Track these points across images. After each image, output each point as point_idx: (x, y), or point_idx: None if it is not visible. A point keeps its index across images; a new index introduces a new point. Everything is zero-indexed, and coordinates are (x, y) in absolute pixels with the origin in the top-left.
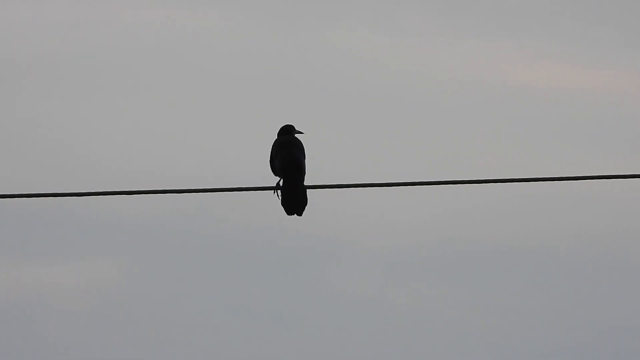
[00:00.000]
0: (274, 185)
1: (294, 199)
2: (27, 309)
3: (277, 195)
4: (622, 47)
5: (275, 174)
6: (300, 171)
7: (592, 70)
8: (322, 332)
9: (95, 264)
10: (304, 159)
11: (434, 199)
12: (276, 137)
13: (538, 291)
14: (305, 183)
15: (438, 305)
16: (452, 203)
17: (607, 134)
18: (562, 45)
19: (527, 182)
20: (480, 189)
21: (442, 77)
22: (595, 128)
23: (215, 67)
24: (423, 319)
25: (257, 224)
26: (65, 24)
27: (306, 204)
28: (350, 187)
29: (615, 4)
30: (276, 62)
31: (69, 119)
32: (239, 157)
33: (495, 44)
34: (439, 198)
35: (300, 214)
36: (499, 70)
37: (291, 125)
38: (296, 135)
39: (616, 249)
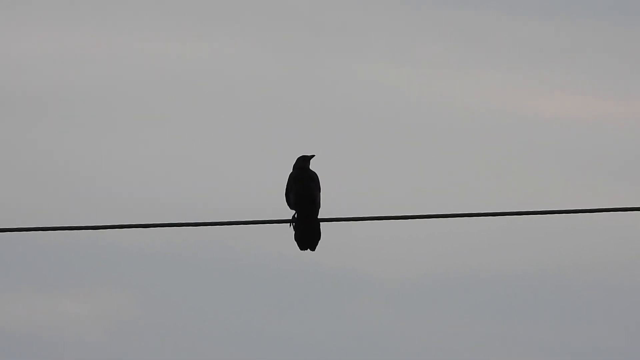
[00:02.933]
0: (290, 218)
1: (308, 232)
2: (43, 342)
3: (293, 228)
4: (638, 78)
5: (291, 207)
6: (315, 205)
7: (609, 101)
8: None
9: (112, 296)
10: (319, 192)
11: (448, 230)
12: (292, 170)
13: (553, 322)
14: (320, 216)
15: (453, 337)
16: (467, 234)
17: (625, 165)
18: (580, 77)
19: (544, 215)
20: (496, 220)
21: (460, 108)
22: (613, 159)
23: (233, 98)
24: (438, 351)
25: (272, 256)
26: (81, 57)
27: (319, 238)
28: (365, 220)
29: (631, 36)
30: (295, 93)
31: (86, 152)
32: (254, 190)
33: (513, 75)
34: (453, 229)
35: (313, 249)
36: (517, 101)
37: (304, 156)
38: (312, 159)
39: (634, 281)
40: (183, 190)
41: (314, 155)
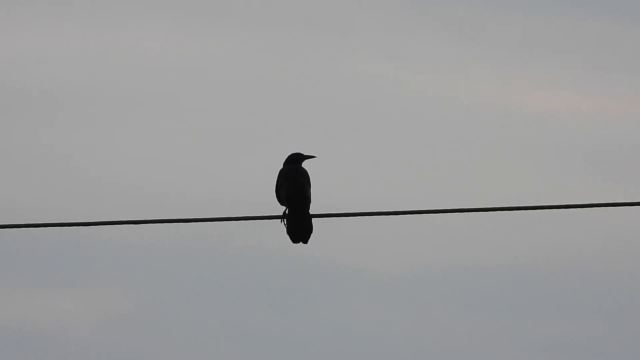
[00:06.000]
0: (281, 214)
1: (299, 227)
2: (38, 338)
3: (284, 224)
4: (635, 75)
5: (281, 203)
6: (306, 200)
7: (603, 97)
8: None
9: (107, 292)
10: (310, 187)
11: (442, 225)
12: (282, 166)
13: (548, 315)
14: (311, 212)
15: (447, 331)
16: (461, 230)
17: (620, 161)
18: (573, 73)
19: (538, 210)
20: (490, 216)
21: (454, 104)
22: (607, 155)
23: (227, 95)
24: (432, 345)
25: (263, 252)
26: (78, 53)
27: (312, 232)
28: (356, 216)
29: (628, 33)
30: (289, 90)
31: (81, 148)
32: (245, 186)
33: (507, 71)
34: (447, 225)
35: (305, 242)
36: (511, 97)
37: (298, 154)
38: (307, 160)
39: (630, 276)
40: (176, 186)
41: (314, 157)
